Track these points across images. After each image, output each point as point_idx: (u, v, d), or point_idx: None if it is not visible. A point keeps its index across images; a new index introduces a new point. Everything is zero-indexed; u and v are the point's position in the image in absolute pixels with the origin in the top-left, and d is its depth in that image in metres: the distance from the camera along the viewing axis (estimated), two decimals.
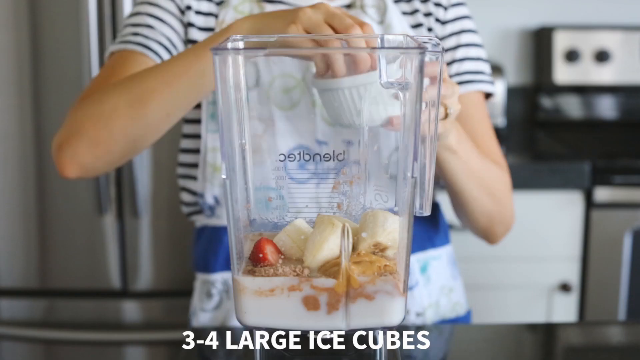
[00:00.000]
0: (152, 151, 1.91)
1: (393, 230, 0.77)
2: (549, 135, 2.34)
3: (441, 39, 1.19)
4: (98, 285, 1.97)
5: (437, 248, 1.23)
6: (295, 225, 0.80)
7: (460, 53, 1.19)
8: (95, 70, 1.86)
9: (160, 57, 1.11)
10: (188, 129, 1.23)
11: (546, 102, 2.46)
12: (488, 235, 1.21)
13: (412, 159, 0.76)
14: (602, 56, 2.34)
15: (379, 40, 0.81)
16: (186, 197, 1.25)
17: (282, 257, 0.78)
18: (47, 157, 1.92)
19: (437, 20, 1.18)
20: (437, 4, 1.19)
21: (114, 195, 1.93)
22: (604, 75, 2.37)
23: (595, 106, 2.47)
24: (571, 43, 2.35)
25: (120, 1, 1.84)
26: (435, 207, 1.26)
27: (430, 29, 1.18)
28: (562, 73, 2.36)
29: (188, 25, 1.14)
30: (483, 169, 1.12)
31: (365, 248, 0.77)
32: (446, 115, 0.94)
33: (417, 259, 1.19)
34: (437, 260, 1.22)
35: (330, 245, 0.76)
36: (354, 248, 0.78)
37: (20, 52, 1.88)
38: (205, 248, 1.22)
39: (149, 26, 1.13)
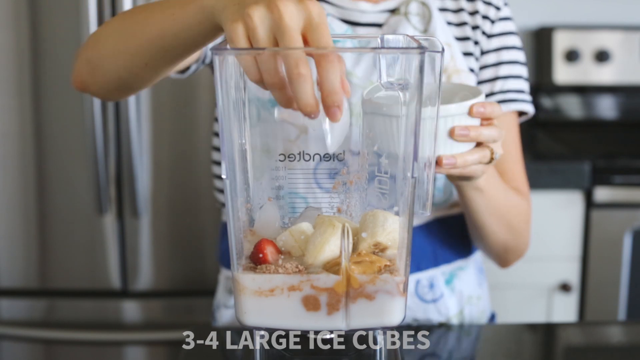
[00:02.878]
0: (152, 151, 1.91)
1: (393, 230, 0.77)
2: (549, 135, 2.34)
3: (485, 52, 1.16)
4: (98, 285, 1.97)
5: (466, 258, 1.21)
6: (298, 225, 0.80)
7: (504, 70, 1.17)
8: None
9: None
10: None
11: (546, 102, 2.46)
12: (499, 261, 1.21)
13: (412, 159, 0.76)
14: (602, 56, 2.34)
15: (379, 40, 0.81)
16: (219, 183, 1.24)
17: (283, 257, 0.78)
18: (47, 157, 1.92)
19: (484, 33, 1.16)
20: (485, 17, 1.16)
21: (114, 195, 1.93)
22: (604, 75, 2.37)
23: (595, 106, 2.47)
24: (571, 43, 2.35)
25: (120, 1, 1.84)
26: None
27: (476, 42, 1.16)
28: (562, 73, 2.36)
29: None
30: (506, 205, 1.11)
31: (366, 248, 0.77)
32: (491, 160, 0.92)
33: (442, 271, 1.17)
34: (464, 270, 1.20)
35: (331, 246, 0.76)
36: (354, 248, 0.78)
37: (20, 52, 1.88)
38: None
39: None
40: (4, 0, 1.86)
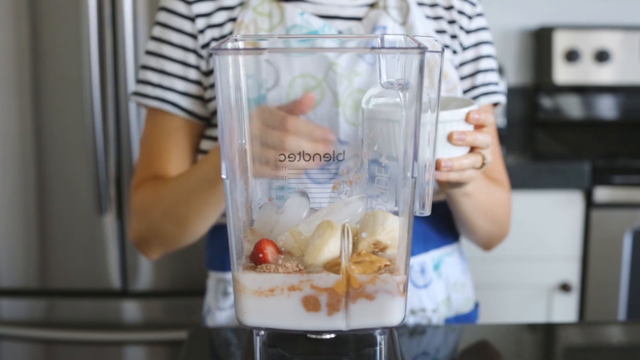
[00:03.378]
0: None
1: (393, 230, 0.77)
2: (549, 135, 2.34)
3: (465, 48, 1.20)
4: (98, 285, 1.97)
5: (451, 244, 1.24)
6: (298, 226, 0.80)
7: (483, 64, 1.22)
8: (95, 70, 1.86)
9: (180, 108, 1.16)
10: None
11: (546, 102, 2.46)
12: (484, 247, 1.27)
13: (412, 159, 0.76)
14: (602, 56, 2.34)
15: (379, 40, 0.81)
16: None
17: (282, 257, 0.78)
18: (47, 157, 1.92)
19: (462, 28, 1.20)
20: (461, 12, 1.20)
21: (114, 195, 1.93)
22: (604, 75, 2.37)
23: (595, 106, 2.47)
24: (571, 43, 2.35)
25: (120, 1, 1.84)
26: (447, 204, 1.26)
27: (454, 36, 1.19)
28: (562, 73, 2.36)
29: (205, 46, 1.15)
30: (491, 202, 1.16)
31: (365, 247, 0.77)
32: (482, 165, 0.97)
33: (431, 257, 1.20)
34: (450, 257, 1.23)
35: (331, 247, 0.76)
36: (354, 248, 0.78)
37: (20, 52, 1.88)
38: (221, 246, 1.23)
39: (163, 72, 1.16)
40: (4, 0, 1.86)
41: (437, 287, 1.20)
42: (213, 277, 1.25)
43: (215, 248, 1.24)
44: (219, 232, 1.24)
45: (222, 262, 1.22)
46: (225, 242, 1.22)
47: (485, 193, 1.13)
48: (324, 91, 1.05)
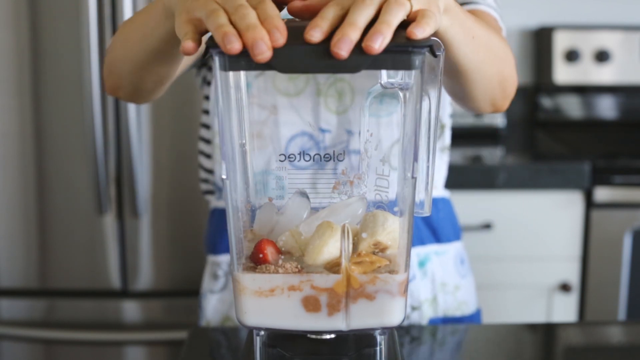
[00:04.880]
0: (152, 151, 1.91)
1: (393, 230, 0.77)
2: (549, 135, 2.34)
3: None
4: (98, 285, 1.97)
5: (442, 244, 1.22)
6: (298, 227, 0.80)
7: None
8: (95, 70, 1.86)
9: None
10: (207, 105, 1.24)
11: (546, 102, 2.46)
12: (501, 96, 1.00)
13: (412, 159, 0.76)
14: (602, 56, 2.33)
15: None
16: (202, 174, 1.28)
17: (283, 257, 0.78)
18: (47, 157, 1.92)
19: None
20: None
21: (114, 195, 1.93)
22: (604, 75, 2.37)
23: (595, 106, 2.47)
24: (571, 43, 2.35)
25: (120, 1, 1.84)
26: (444, 203, 1.25)
27: None
28: (562, 73, 2.36)
29: None
30: (483, 33, 0.89)
31: (365, 248, 0.77)
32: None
33: (416, 252, 1.18)
34: (441, 256, 1.21)
35: (330, 248, 0.76)
36: (354, 249, 0.78)
37: (20, 52, 1.88)
38: (214, 230, 1.25)
39: None
40: (4, 0, 1.86)
41: (420, 285, 1.18)
42: (208, 261, 1.27)
43: (210, 231, 1.27)
44: (214, 215, 1.26)
45: (214, 245, 1.24)
46: (218, 226, 1.23)
47: (469, 20, 0.86)
48: (308, 79, 1.05)
